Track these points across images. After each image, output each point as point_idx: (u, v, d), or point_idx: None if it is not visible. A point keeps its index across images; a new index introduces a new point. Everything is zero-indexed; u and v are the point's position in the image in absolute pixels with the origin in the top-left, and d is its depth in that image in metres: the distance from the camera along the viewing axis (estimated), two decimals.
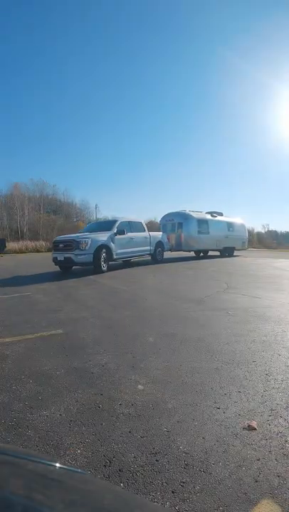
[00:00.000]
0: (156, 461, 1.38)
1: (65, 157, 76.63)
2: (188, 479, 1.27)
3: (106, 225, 9.62)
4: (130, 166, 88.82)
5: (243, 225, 18.19)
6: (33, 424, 1.67)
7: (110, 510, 0.34)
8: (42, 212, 42.77)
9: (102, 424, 1.66)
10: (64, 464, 0.45)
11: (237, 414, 1.75)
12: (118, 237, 8.98)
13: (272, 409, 1.79)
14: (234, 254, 16.89)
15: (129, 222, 10.04)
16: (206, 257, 15.69)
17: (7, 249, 24.16)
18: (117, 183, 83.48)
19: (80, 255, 8.01)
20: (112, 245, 8.74)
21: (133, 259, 10.66)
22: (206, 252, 16.41)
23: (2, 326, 3.56)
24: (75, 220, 43.86)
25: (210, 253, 16.56)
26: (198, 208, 16.60)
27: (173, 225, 14.42)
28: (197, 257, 15.29)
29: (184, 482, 1.26)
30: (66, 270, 9.15)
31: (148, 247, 10.79)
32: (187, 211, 14.40)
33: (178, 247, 13.88)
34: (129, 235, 9.55)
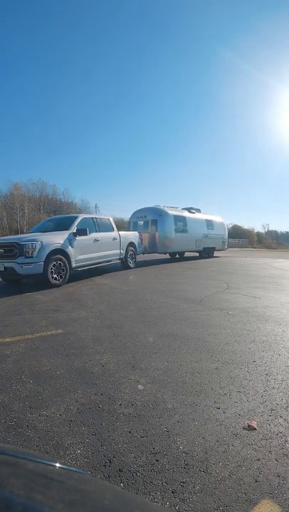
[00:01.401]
0: (156, 461, 1.38)
1: (65, 157, 76.83)
2: (188, 479, 1.27)
3: (63, 223, 7.39)
4: (130, 166, 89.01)
5: (222, 223, 16.69)
6: (33, 424, 1.67)
7: (110, 510, 0.34)
8: (42, 212, 42.84)
9: (102, 424, 1.66)
10: (64, 464, 0.45)
11: (237, 414, 1.75)
12: (79, 238, 6.88)
13: (272, 409, 1.79)
14: (214, 254, 15.74)
15: (93, 219, 8.04)
16: (203, 257, 14.61)
17: None
18: (117, 183, 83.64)
19: (26, 264, 5.81)
20: (71, 250, 6.63)
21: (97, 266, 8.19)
22: (182, 253, 14.67)
23: (2, 326, 3.56)
24: None
25: (188, 254, 15.21)
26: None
27: (146, 222, 12.29)
28: (193, 258, 14.53)
29: (184, 482, 1.26)
30: (12, 283, 6.86)
31: (117, 251, 8.72)
32: (162, 206, 12.41)
33: (152, 248, 11.77)
34: (94, 235, 7.54)
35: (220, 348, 2.79)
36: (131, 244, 9.54)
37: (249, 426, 1.62)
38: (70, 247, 6.64)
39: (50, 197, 47.41)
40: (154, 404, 1.85)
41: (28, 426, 1.65)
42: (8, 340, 3.07)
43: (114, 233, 8.66)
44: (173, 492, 1.22)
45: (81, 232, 6.92)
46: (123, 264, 9.37)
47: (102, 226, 8.24)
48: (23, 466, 0.41)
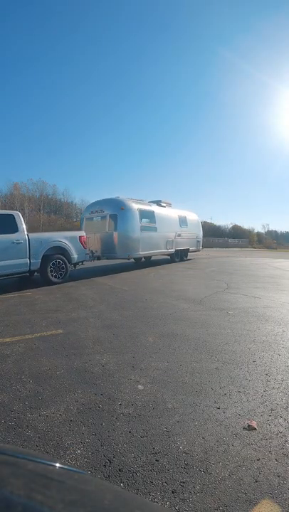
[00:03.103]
0: (156, 461, 1.38)
1: (65, 157, 76.92)
2: (188, 479, 1.27)
3: None
4: (130, 166, 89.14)
5: (197, 221, 14.09)
6: (33, 424, 1.67)
7: (110, 510, 0.34)
8: (42, 212, 42.85)
9: (102, 424, 1.66)
10: (64, 464, 0.45)
11: (237, 414, 1.75)
12: None
13: (272, 409, 1.79)
14: (188, 257, 13.47)
15: None
16: (175, 261, 12.03)
17: None
18: (118, 183, 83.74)
19: None
20: None
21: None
22: (148, 257, 12.12)
23: (2, 326, 3.56)
24: (75, 220, 43.92)
25: (154, 257, 12.62)
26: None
27: (102, 218, 9.38)
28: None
29: (184, 482, 1.26)
30: None
31: (23, 260, 6.09)
32: (121, 197, 9.58)
33: (109, 252, 8.92)
34: None
35: (220, 348, 2.79)
36: (57, 249, 6.74)
37: (249, 426, 1.62)
38: None
39: (50, 197, 47.45)
40: (154, 404, 1.85)
41: (28, 426, 1.65)
42: (8, 340, 3.07)
43: (17, 235, 6.00)
44: (173, 492, 1.22)
45: None
46: (43, 277, 6.65)
47: None
48: (23, 466, 0.41)
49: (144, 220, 9.65)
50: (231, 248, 41.18)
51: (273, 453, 1.43)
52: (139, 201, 10.21)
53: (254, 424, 1.63)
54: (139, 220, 9.30)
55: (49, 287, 6.35)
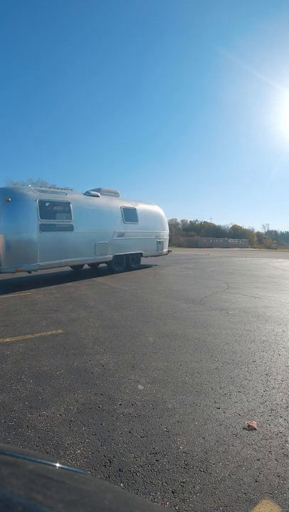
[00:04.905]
0: (156, 461, 1.38)
1: (66, 158, 77.00)
2: (188, 479, 1.27)
3: None
4: (131, 167, 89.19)
5: (158, 214, 10.50)
6: (33, 424, 1.67)
7: (110, 510, 0.34)
8: None
9: (102, 424, 1.66)
10: (64, 464, 0.45)
11: (237, 414, 1.75)
12: None
13: (272, 409, 1.79)
14: (142, 262, 10.09)
15: None
16: (116, 270, 8.68)
17: None
18: (118, 184, 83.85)
19: None
20: None
21: None
22: (96, 263, 9.22)
23: (2, 326, 3.56)
24: None
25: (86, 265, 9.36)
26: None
27: None
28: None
29: (184, 482, 1.26)
30: None
31: None
32: (17, 186, 6.55)
33: None
34: None
35: (220, 348, 2.79)
36: None
37: (249, 426, 1.62)
38: None
39: None
40: (154, 404, 1.85)
41: (28, 426, 1.65)
42: (8, 340, 3.07)
43: None
44: (173, 492, 1.22)
45: None
46: None
47: None
48: (23, 466, 0.41)
49: (48, 214, 6.90)
50: (231, 248, 41.16)
51: (273, 453, 1.43)
52: (46, 189, 7.39)
53: (254, 424, 1.63)
54: (37, 214, 6.50)
55: (49, 287, 6.35)
